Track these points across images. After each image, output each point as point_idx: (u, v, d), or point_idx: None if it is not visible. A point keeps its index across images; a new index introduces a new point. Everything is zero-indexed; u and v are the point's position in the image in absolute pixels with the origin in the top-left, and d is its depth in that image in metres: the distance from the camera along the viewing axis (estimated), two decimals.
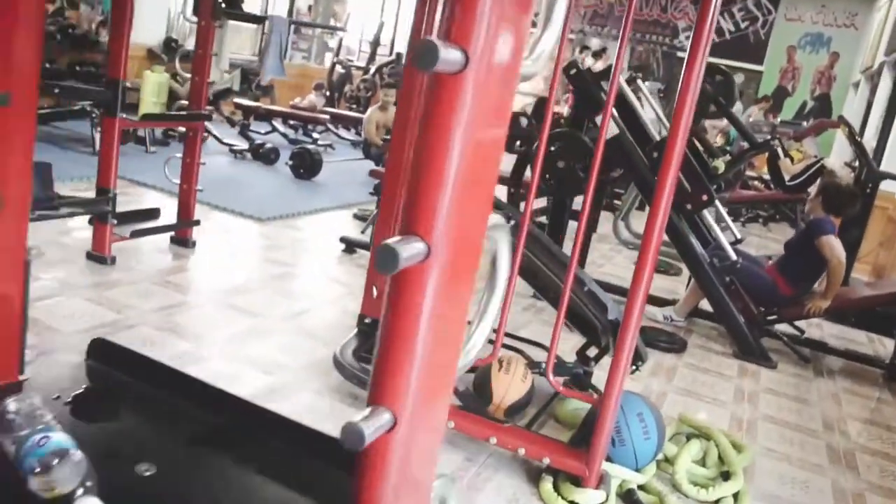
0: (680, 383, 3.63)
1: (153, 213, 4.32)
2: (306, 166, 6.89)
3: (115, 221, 3.84)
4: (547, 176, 4.28)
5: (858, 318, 4.52)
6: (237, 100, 9.33)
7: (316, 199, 6.18)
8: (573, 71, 4.26)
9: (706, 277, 4.18)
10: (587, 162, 4.16)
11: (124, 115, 3.76)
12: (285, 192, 6.45)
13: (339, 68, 11.86)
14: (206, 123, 8.27)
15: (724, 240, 4.19)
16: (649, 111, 5.09)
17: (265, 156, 7.44)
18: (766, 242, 8.70)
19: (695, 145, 4.51)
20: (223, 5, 4.35)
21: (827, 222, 4.16)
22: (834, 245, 4.05)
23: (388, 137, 8.09)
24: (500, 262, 1.11)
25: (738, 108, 13.02)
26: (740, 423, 3.29)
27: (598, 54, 14.73)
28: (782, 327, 4.41)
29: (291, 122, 9.21)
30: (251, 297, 3.76)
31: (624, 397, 2.50)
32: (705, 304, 4.42)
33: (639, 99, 5.22)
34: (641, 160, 4.17)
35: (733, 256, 4.12)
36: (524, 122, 6.86)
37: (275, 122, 9.12)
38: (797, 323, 4.47)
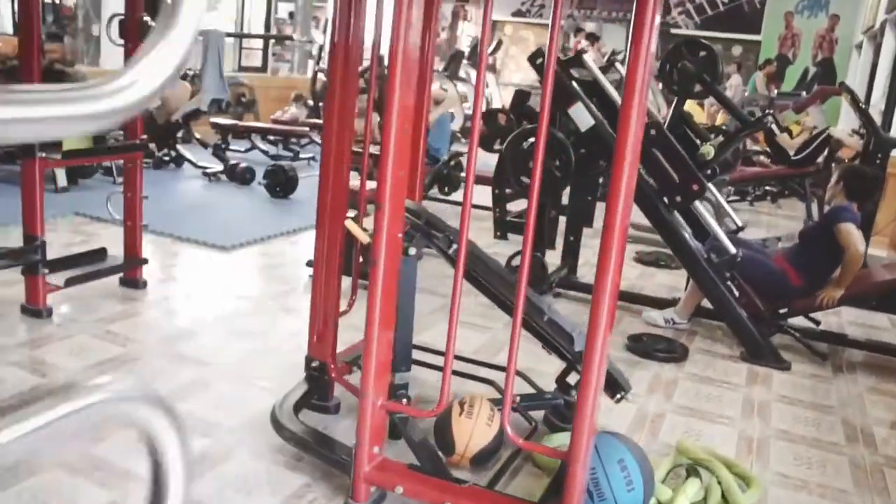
0: (681, 399, 3.24)
1: (98, 255, 3.99)
2: (281, 184, 6.54)
3: (47, 270, 3.50)
4: (521, 178, 3.91)
5: (880, 301, 4.09)
6: (214, 119, 9.01)
7: (288, 219, 5.82)
8: (539, 61, 3.87)
9: (703, 275, 3.78)
10: (563, 158, 3.79)
11: (44, 155, 3.42)
12: (257, 214, 6.11)
13: (321, 76, 11.51)
14: (180, 147, 8.05)
15: (721, 231, 3.78)
16: None
17: (240, 176, 7.10)
18: (776, 220, 8.27)
19: (683, 129, 4.12)
20: (151, 24, 4.00)
21: (847, 210, 3.74)
22: (852, 232, 3.64)
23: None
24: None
25: (736, 80, 12.58)
26: (750, 443, 2.89)
27: (591, 38, 14.32)
28: (796, 321, 4.00)
29: (272, 137, 8.85)
30: (200, 342, 3.41)
31: (601, 441, 2.12)
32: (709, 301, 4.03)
33: (621, 83, 4.84)
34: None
35: (732, 249, 3.72)
36: (503, 119, 6.50)
37: (254, 139, 8.78)
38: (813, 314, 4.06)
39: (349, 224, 2.45)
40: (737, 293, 3.79)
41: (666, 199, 3.74)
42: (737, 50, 13.86)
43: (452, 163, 6.55)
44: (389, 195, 1.97)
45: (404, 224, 2.12)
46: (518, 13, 15.72)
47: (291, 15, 13.07)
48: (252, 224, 5.60)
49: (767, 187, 8.54)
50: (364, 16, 2.63)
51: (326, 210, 2.67)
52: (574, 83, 3.89)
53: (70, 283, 3.59)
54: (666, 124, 4.05)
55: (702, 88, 3.99)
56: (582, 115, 3.82)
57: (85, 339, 3.32)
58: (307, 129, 8.93)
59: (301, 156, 8.74)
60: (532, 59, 3.87)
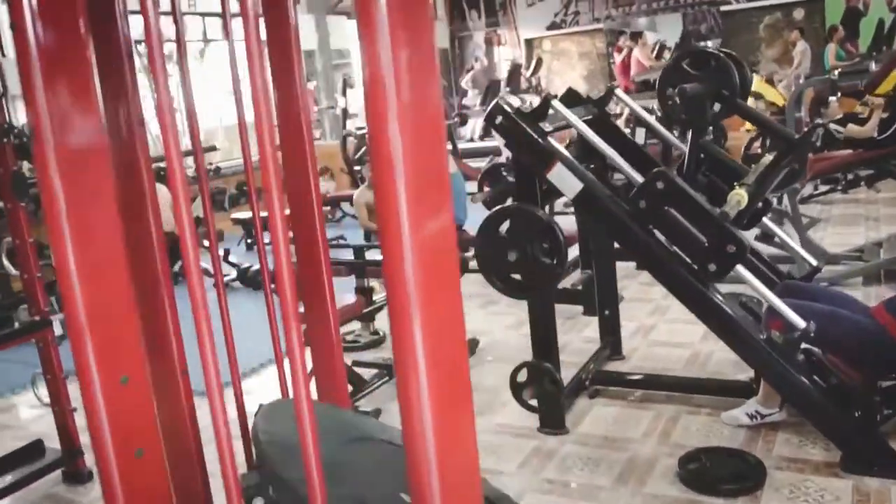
0: None
1: (34, 451, 3.36)
2: None
3: None
4: (499, 278, 3.03)
5: None
6: (235, 214, 8.51)
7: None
8: (499, 119, 3.01)
9: (764, 363, 2.79)
10: (552, 242, 2.91)
11: None
12: (256, 332, 5.41)
13: (351, 140, 10.93)
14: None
15: (779, 301, 2.77)
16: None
17: (252, 280, 6.48)
18: (876, 209, 6.99)
19: (707, 168, 3.17)
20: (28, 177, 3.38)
21: None
22: None
23: None
24: None
25: (802, 46, 11.19)
26: None
27: (634, 37, 13.25)
28: None
29: None
30: None
31: None
32: None
33: (624, 120, 3.93)
34: (622, 213, 2.86)
35: (800, 324, 2.70)
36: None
37: None
38: None
39: None
40: (820, 377, 2.78)
41: (696, 271, 2.78)
42: (799, 13, 12.46)
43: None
44: None
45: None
46: (553, 26, 14.78)
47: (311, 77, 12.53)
48: (242, 352, 4.90)
49: (859, 172, 7.26)
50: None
51: None
52: (549, 140, 3.00)
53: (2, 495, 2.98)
54: (685, 167, 3.10)
55: (721, 108, 3.01)
56: (566, 180, 2.92)
57: None
58: (328, 208, 8.27)
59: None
60: (490, 118, 3.01)
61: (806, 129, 3.02)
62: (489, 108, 3.04)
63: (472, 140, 12.68)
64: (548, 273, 2.91)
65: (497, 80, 12.68)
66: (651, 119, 3.61)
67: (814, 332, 2.71)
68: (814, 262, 3.49)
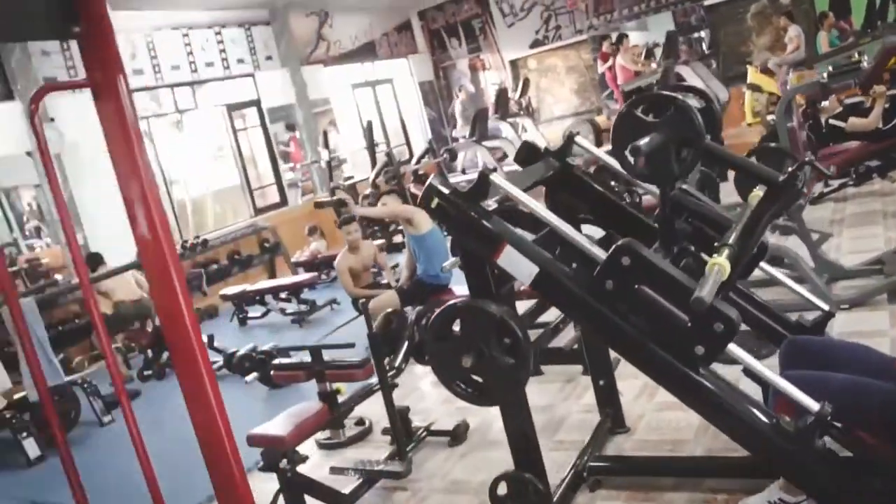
0: None
1: None
2: (267, 374, 5.47)
3: None
4: (457, 384, 2.62)
5: None
6: (223, 291, 8.20)
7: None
8: (435, 202, 2.61)
9: (775, 457, 2.34)
10: (513, 341, 2.51)
11: None
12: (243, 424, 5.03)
13: (340, 194, 10.58)
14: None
15: (785, 383, 2.32)
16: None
17: (239, 366, 6.10)
18: (894, 201, 6.46)
19: (690, 214, 2.77)
20: None
21: None
22: None
23: (385, 282, 6.59)
24: None
25: (795, 31, 10.70)
26: None
27: (618, 42, 12.79)
28: None
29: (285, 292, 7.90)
30: None
31: None
32: None
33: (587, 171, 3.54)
34: (588, 296, 2.44)
35: (813, 407, 2.25)
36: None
37: (268, 300, 7.88)
38: None
39: None
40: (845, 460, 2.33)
41: (682, 357, 2.35)
42: None
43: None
44: None
45: None
46: (536, 43, 14.42)
47: (290, 128, 12.17)
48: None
49: (870, 164, 6.77)
50: None
51: None
52: (497, 220, 2.59)
53: None
54: (659, 227, 2.69)
55: (688, 155, 2.59)
56: (518, 264, 2.51)
57: None
58: (313, 279, 7.88)
59: (319, 303, 7.71)
60: (425, 201, 2.62)
61: (790, 169, 2.58)
62: (423, 192, 2.64)
63: (464, 172, 12.31)
64: (510, 376, 2.49)
65: (484, 109, 12.27)
66: (617, 166, 3.19)
67: (831, 413, 2.27)
68: (825, 307, 3.05)
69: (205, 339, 6.46)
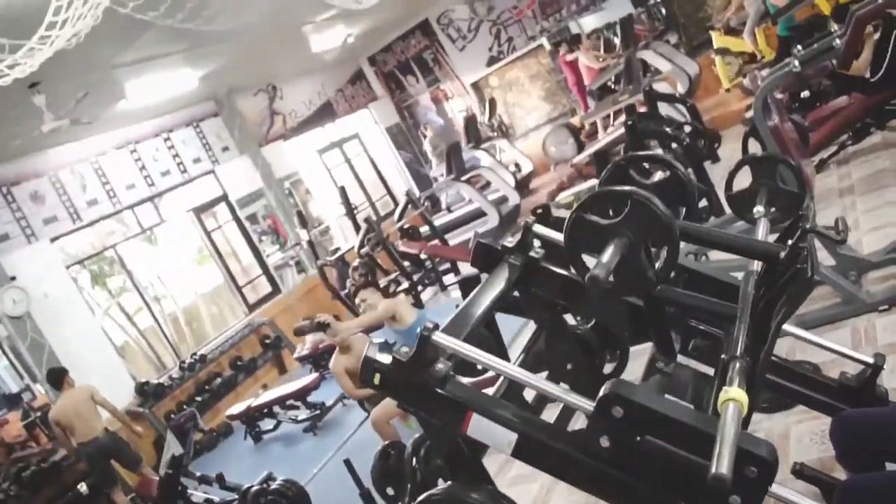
0: None
1: None
2: None
3: None
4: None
5: None
6: (228, 411, 7.77)
7: None
8: (377, 378, 2.14)
9: None
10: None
11: None
12: None
13: (328, 269, 10.14)
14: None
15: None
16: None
17: (255, 502, 5.65)
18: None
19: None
20: None
21: None
22: None
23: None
24: None
25: None
26: None
27: (573, 43, 12.31)
28: None
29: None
30: None
31: None
32: None
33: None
34: (584, 460, 1.96)
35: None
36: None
37: (276, 411, 7.43)
38: None
39: None
40: None
41: None
42: None
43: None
44: None
45: None
46: (492, 60, 14.00)
47: (257, 217, 11.63)
48: None
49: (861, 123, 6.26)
50: None
51: None
52: (457, 383, 2.12)
53: None
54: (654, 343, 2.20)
55: (668, 254, 2.12)
56: (492, 433, 2.04)
57: None
58: (316, 381, 7.40)
59: (328, 403, 7.25)
60: (366, 381, 2.15)
61: (790, 246, 2.10)
62: (360, 369, 2.17)
63: (449, 210, 11.86)
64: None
65: (456, 142, 11.81)
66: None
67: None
68: (869, 360, 2.55)
69: (213, 476, 6.04)
